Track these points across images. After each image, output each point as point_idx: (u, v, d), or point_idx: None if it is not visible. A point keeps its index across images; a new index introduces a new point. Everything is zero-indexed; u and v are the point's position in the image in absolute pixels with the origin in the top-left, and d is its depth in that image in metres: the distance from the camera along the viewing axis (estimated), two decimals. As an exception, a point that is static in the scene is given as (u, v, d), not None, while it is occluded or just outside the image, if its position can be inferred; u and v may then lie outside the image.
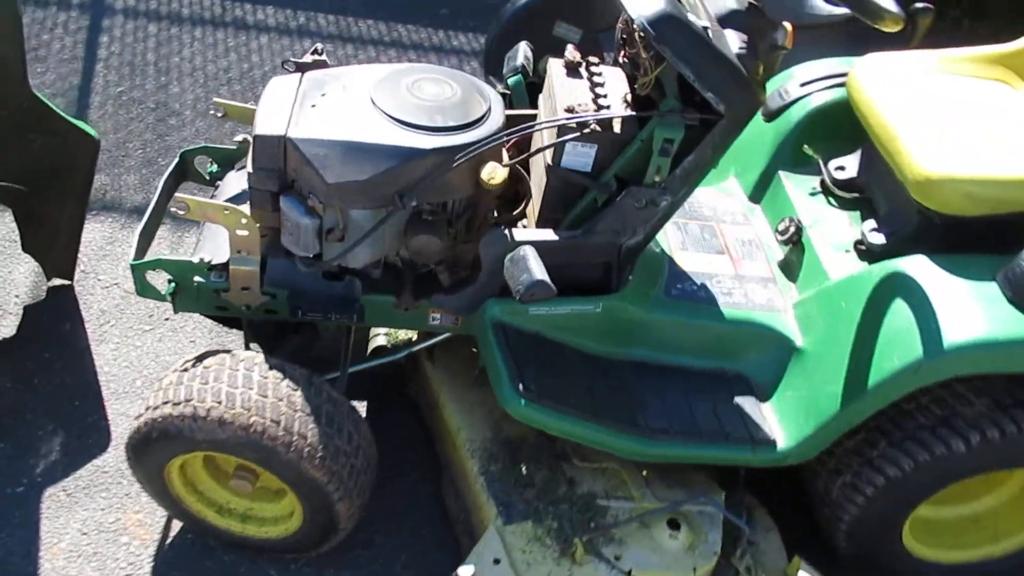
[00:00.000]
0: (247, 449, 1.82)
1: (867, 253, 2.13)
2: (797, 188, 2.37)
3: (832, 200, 2.32)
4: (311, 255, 1.98)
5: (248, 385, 1.82)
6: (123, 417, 2.39)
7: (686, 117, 1.80)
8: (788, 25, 1.73)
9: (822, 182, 2.35)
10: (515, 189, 2.19)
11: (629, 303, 2.06)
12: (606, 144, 1.90)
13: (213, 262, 2.03)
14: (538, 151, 1.99)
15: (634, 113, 1.86)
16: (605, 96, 1.95)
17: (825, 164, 2.35)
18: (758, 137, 2.52)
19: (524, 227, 2.18)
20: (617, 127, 1.88)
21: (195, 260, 2.03)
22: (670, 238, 2.30)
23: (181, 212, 1.92)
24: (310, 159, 1.85)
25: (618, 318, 2.07)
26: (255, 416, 1.78)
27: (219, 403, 1.79)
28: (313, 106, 1.93)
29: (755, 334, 2.10)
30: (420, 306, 2.10)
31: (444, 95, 1.95)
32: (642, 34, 1.73)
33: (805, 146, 2.38)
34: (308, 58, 2.17)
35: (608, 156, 1.92)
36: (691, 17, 1.70)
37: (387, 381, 2.54)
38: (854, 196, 2.30)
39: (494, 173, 1.87)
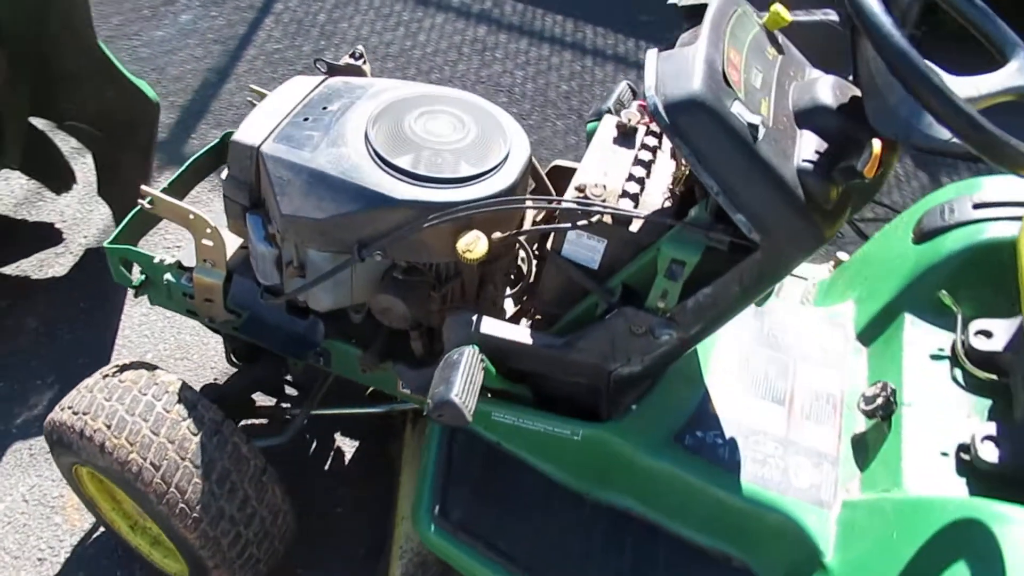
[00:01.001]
0: (122, 484, 1.62)
1: (969, 467, 1.51)
2: (919, 343, 1.76)
3: (959, 375, 1.69)
4: (269, 284, 1.74)
5: (145, 416, 1.61)
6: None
7: (711, 237, 1.32)
8: (877, 146, 1.19)
9: (954, 345, 1.73)
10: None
11: (621, 437, 1.61)
12: (618, 242, 1.46)
13: (185, 263, 1.84)
14: (533, 230, 1.59)
15: (650, 215, 1.41)
16: (643, 180, 1.50)
17: (965, 323, 1.71)
18: (899, 259, 1.91)
19: (525, 309, 1.79)
20: (635, 225, 1.44)
21: (168, 258, 1.86)
22: (722, 362, 1.79)
23: (147, 206, 1.74)
24: (273, 181, 1.59)
25: (603, 452, 1.63)
26: (135, 454, 1.57)
27: (108, 427, 1.60)
28: (306, 120, 1.66)
29: (776, 526, 1.57)
30: (384, 368, 1.79)
31: (450, 136, 1.60)
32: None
33: (943, 292, 1.76)
34: (344, 61, 1.90)
35: (620, 257, 1.48)
36: (737, 107, 1.22)
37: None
38: (990, 378, 1.66)
39: (472, 245, 1.49)
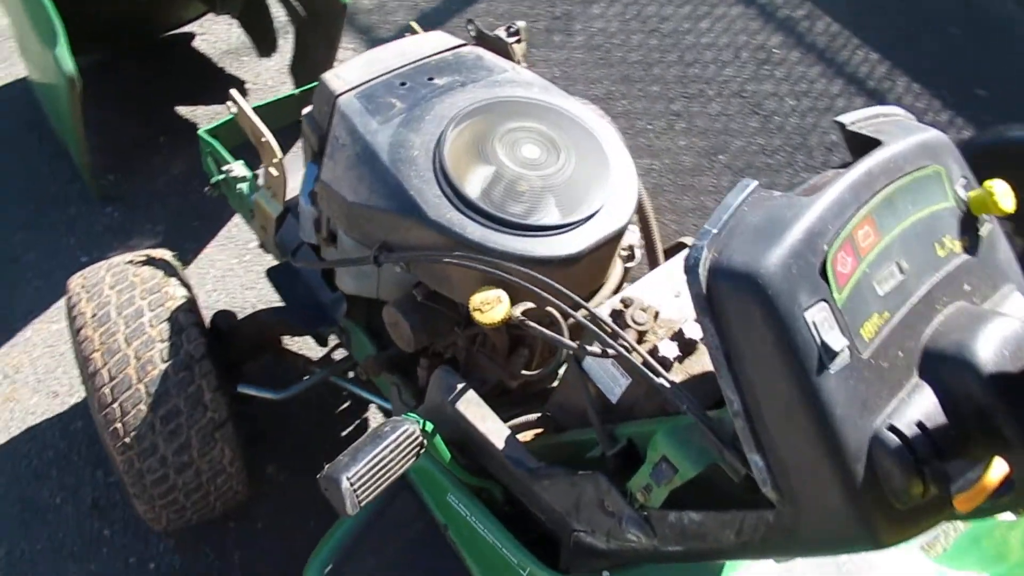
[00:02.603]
0: (81, 372, 1.54)
1: None
2: None
3: None
4: (307, 241, 1.55)
5: (129, 321, 1.50)
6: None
7: (725, 456, 0.92)
8: (1000, 470, 0.73)
9: None
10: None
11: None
12: (645, 388, 1.10)
13: (261, 183, 1.71)
14: (550, 337, 1.23)
15: (673, 384, 1.02)
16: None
17: None
18: None
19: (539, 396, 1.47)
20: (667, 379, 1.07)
21: (248, 171, 1.74)
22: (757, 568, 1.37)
23: (231, 110, 1.61)
24: (330, 138, 1.38)
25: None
26: (99, 354, 1.48)
27: (92, 316, 1.52)
28: (402, 84, 1.42)
29: None
30: (384, 379, 1.57)
31: (536, 165, 1.29)
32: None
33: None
34: (500, 32, 1.62)
35: (642, 406, 1.12)
36: (817, 313, 0.80)
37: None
38: None
39: (488, 306, 1.20)
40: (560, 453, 1.25)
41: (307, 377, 1.76)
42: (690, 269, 0.84)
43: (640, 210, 1.58)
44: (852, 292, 0.84)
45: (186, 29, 2.78)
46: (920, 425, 0.82)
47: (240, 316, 1.75)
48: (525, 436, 1.34)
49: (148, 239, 2.29)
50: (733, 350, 0.83)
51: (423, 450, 1.19)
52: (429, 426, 1.24)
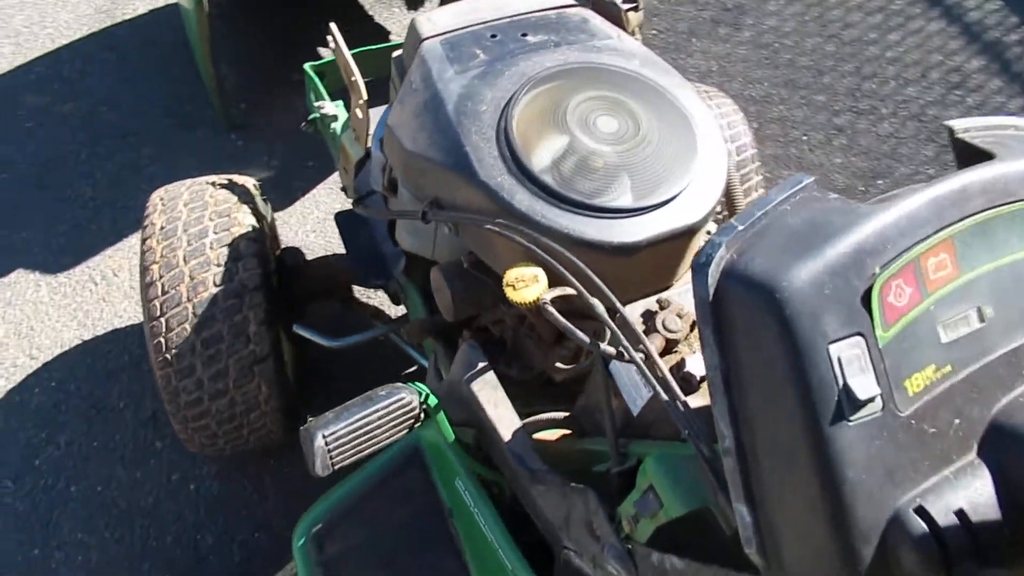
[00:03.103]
0: (140, 281, 1.55)
1: None
2: None
3: None
4: (376, 189, 1.49)
5: (192, 240, 1.49)
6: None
7: (720, 501, 0.76)
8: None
9: None
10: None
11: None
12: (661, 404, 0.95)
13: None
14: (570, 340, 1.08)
15: (682, 407, 0.86)
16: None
17: None
18: None
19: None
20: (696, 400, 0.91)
21: (340, 110, 1.70)
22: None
23: (329, 48, 1.56)
24: (405, 82, 1.31)
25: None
26: (157, 266, 1.48)
27: (160, 228, 1.52)
28: (493, 36, 1.32)
29: None
30: (429, 344, 1.49)
31: (612, 141, 1.15)
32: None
33: None
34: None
35: (660, 424, 0.97)
36: (847, 349, 0.63)
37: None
38: None
39: (522, 283, 1.08)
40: (575, 460, 1.12)
41: (367, 331, 1.71)
42: (698, 267, 0.69)
43: (730, 206, 1.41)
44: (904, 332, 0.66)
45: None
46: (961, 515, 0.63)
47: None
48: (550, 435, 1.21)
49: (262, 170, 2.32)
50: (735, 373, 0.68)
51: (417, 424, 1.10)
52: (432, 400, 1.14)
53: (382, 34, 2.69)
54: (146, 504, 1.76)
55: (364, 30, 2.65)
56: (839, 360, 0.63)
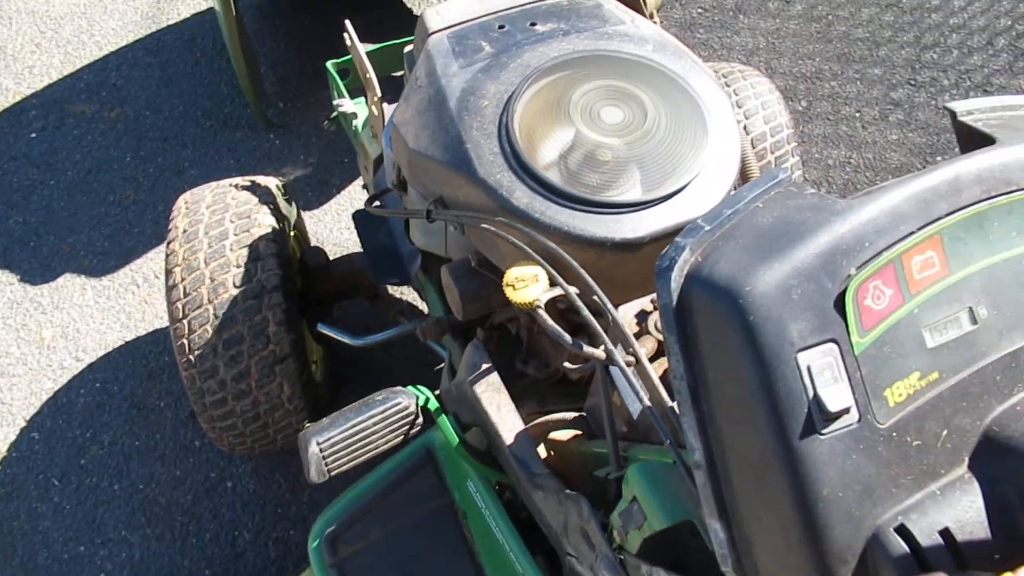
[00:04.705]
0: (165, 283, 1.56)
1: None
2: None
3: None
4: (390, 186, 1.47)
5: (213, 242, 1.50)
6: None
7: (700, 513, 0.72)
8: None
9: None
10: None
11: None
12: (659, 408, 0.91)
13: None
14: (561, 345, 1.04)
15: (666, 412, 0.81)
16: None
17: None
18: None
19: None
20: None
21: (358, 107, 1.69)
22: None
23: (346, 43, 1.55)
24: (411, 78, 1.29)
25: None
26: (180, 268, 1.49)
27: (183, 232, 1.54)
28: (501, 27, 1.29)
29: None
30: (438, 343, 1.47)
31: (617, 132, 1.11)
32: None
33: None
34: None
35: (657, 430, 0.93)
36: (817, 356, 0.58)
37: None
38: None
39: (519, 283, 1.05)
40: (583, 462, 1.09)
41: (391, 328, 1.70)
42: (661, 272, 0.64)
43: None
44: (883, 337, 0.60)
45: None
46: (946, 534, 0.58)
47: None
48: (563, 435, 1.18)
49: (299, 168, 2.34)
50: (702, 383, 0.63)
51: (413, 429, 1.08)
52: (433, 404, 1.12)
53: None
54: (185, 502, 1.80)
55: (409, 24, 2.64)
56: (808, 369, 0.58)
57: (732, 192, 1.13)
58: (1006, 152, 0.65)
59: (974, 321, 0.62)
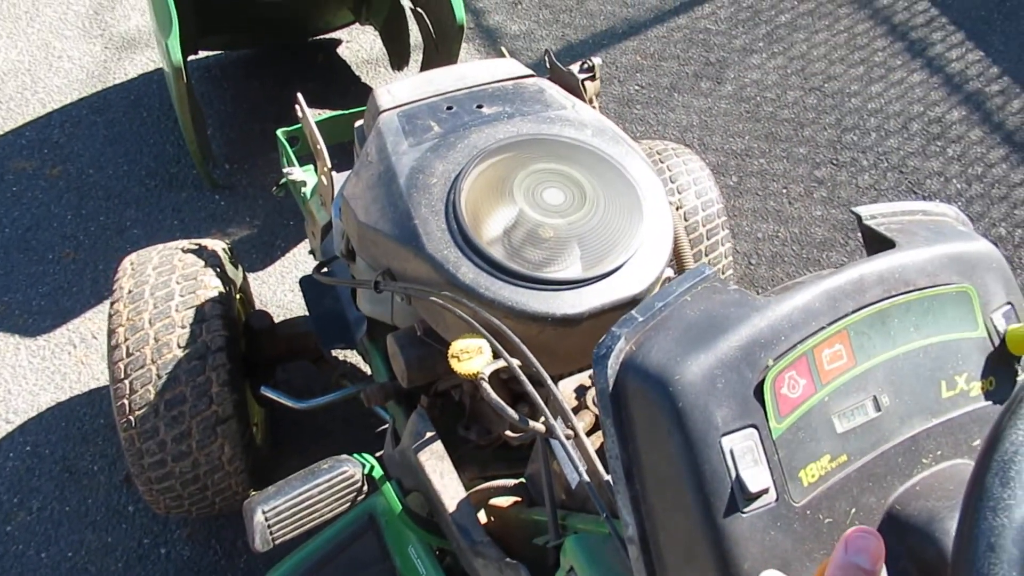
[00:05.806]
0: (107, 349, 1.57)
1: None
2: None
3: None
4: (338, 255, 1.51)
5: (158, 303, 1.51)
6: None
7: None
8: None
9: None
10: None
11: None
12: (596, 479, 0.95)
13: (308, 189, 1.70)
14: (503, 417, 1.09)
15: (603, 485, 0.87)
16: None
17: None
18: None
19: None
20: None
21: (307, 176, 1.73)
22: None
23: (298, 114, 1.60)
24: (362, 154, 1.34)
25: None
26: (123, 328, 1.49)
27: (128, 292, 1.54)
28: (449, 108, 1.35)
29: None
30: (383, 407, 1.50)
31: (559, 213, 1.17)
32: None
33: None
34: (574, 68, 1.51)
35: (592, 500, 0.97)
36: (740, 441, 0.64)
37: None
38: None
39: (464, 355, 1.10)
40: (523, 529, 1.12)
41: (334, 392, 1.72)
42: (598, 359, 0.70)
43: (680, 267, 1.42)
44: (798, 423, 0.66)
45: (334, 35, 2.87)
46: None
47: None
48: (503, 502, 1.22)
49: (244, 230, 2.35)
50: (635, 463, 0.68)
51: (360, 497, 1.10)
52: (378, 472, 1.15)
53: (366, 92, 2.74)
54: (116, 570, 1.75)
55: (357, 91, 2.70)
56: (731, 452, 0.64)
57: (664, 275, 1.20)
58: (904, 255, 0.73)
59: (878, 408, 0.68)
